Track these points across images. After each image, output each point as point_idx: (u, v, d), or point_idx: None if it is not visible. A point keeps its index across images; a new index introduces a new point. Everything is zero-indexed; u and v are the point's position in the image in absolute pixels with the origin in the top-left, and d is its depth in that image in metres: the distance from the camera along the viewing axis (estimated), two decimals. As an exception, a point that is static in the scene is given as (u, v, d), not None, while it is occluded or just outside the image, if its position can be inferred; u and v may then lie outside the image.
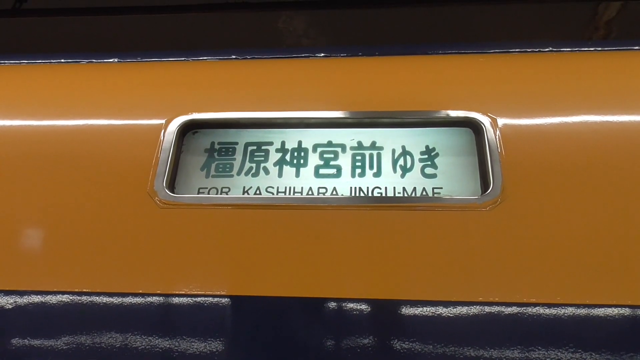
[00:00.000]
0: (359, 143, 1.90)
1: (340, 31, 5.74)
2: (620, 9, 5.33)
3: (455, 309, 1.54)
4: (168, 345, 1.56)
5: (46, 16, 4.86)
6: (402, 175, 1.82)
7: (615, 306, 1.51)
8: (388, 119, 1.91)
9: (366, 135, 1.90)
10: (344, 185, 1.81)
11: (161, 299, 1.62)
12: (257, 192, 1.82)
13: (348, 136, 1.91)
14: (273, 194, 1.81)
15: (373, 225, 1.68)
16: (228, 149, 1.92)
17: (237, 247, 1.68)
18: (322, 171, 1.85)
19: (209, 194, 1.83)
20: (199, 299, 1.60)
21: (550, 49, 2.13)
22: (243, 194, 1.82)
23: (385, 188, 1.80)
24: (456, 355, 1.50)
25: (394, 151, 1.87)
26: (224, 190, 1.84)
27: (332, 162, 1.87)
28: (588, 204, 1.66)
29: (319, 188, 1.81)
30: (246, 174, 1.86)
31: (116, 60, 2.28)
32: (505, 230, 1.64)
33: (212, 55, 2.26)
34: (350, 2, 4.73)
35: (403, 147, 1.87)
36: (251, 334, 1.57)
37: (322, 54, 2.23)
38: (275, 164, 1.87)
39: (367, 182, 1.82)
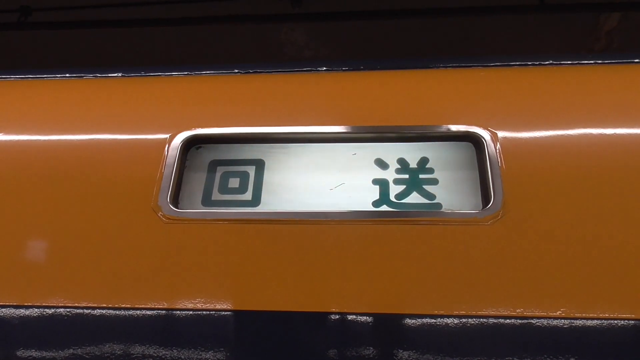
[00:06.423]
0: (360, 157, 1.90)
1: (342, 43, 5.78)
2: (621, 19, 5.36)
3: (457, 323, 1.54)
4: (172, 360, 1.56)
5: (50, 29, 4.90)
6: (402, 189, 1.82)
7: (618, 319, 1.51)
8: (388, 134, 1.92)
9: (366, 150, 1.91)
10: (345, 200, 1.82)
11: (166, 313, 1.62)
12: (261, 207, 1.83)
13: (349, 150, 1.92)
14: (276, 209, 1.81)
15: (375, 240, 1.68)
16: (231, 164, 1.93)
17: (242, 262, 1.69)
18: (323, 186, 1.86)
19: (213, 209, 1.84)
20: (203, 314, 1.61)
21: (551, 62, 2.14)
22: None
23: (386, 202, 1.80)
24: None
25: (393, 165, 1.87)
26: (228, 204, 1.85)
27: (333, 176, 1.87)
28: (589, 218, 1.66)
29: (320, 203, 1.82)
30: (249, 188, 1.87)
31: (120, 74, 2.29)
32: (506, 244, 1.64)
33: (215, 69, 2.28)
34: (351, 15, 4.77)
35: (403, 161, 1.88)
36: (256, 348, 1.58)
37: (324, 68, 2.24)
38: (277, 179, 1.88)
39: (367, 197, 1.82)
